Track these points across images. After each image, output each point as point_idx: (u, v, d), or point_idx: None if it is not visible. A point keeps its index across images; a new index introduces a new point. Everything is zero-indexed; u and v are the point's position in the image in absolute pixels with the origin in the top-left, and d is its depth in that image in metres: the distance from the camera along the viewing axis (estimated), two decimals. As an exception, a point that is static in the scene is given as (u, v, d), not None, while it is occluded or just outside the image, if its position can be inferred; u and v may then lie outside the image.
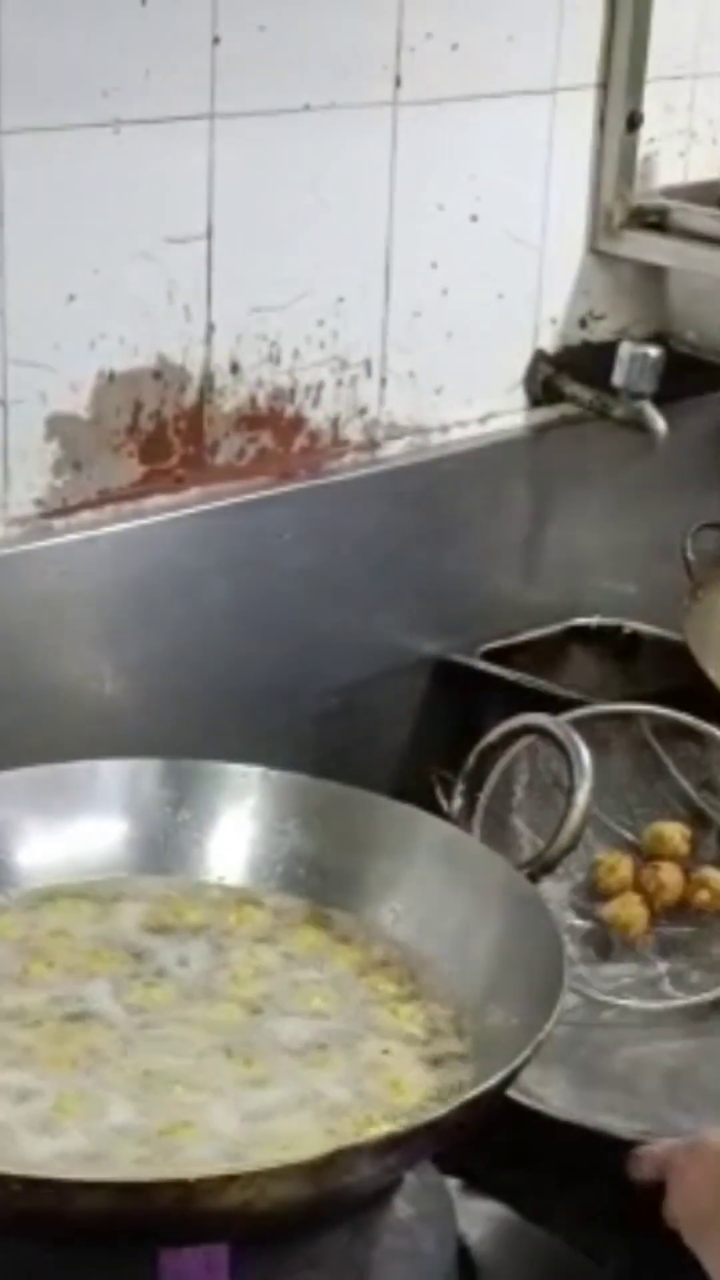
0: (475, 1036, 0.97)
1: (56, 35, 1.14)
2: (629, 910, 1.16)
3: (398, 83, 1.33)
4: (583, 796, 1.09)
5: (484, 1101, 0.88)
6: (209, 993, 0.99)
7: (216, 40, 1.21)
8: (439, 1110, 0.88)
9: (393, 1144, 0.85)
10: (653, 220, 1.49)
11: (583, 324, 1.52)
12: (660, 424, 1.43)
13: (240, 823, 1.11)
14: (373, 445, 1.40)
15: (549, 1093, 1.05)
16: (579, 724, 1.12)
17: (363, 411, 1.38)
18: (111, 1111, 0.90)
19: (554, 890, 1.14)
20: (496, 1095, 0.89)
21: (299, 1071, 0.94)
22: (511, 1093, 0.95)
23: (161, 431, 1.27)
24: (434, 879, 1.05)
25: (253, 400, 1.31)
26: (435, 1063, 0.96)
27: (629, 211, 1.49)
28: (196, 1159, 0.87)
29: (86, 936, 1.03)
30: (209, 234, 1.25)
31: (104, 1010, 0.97)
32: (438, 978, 1.01)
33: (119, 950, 1.02)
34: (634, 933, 1.16)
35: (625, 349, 1.44)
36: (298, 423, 1.35)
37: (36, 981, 1.00)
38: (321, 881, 1.08)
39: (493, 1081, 0.88)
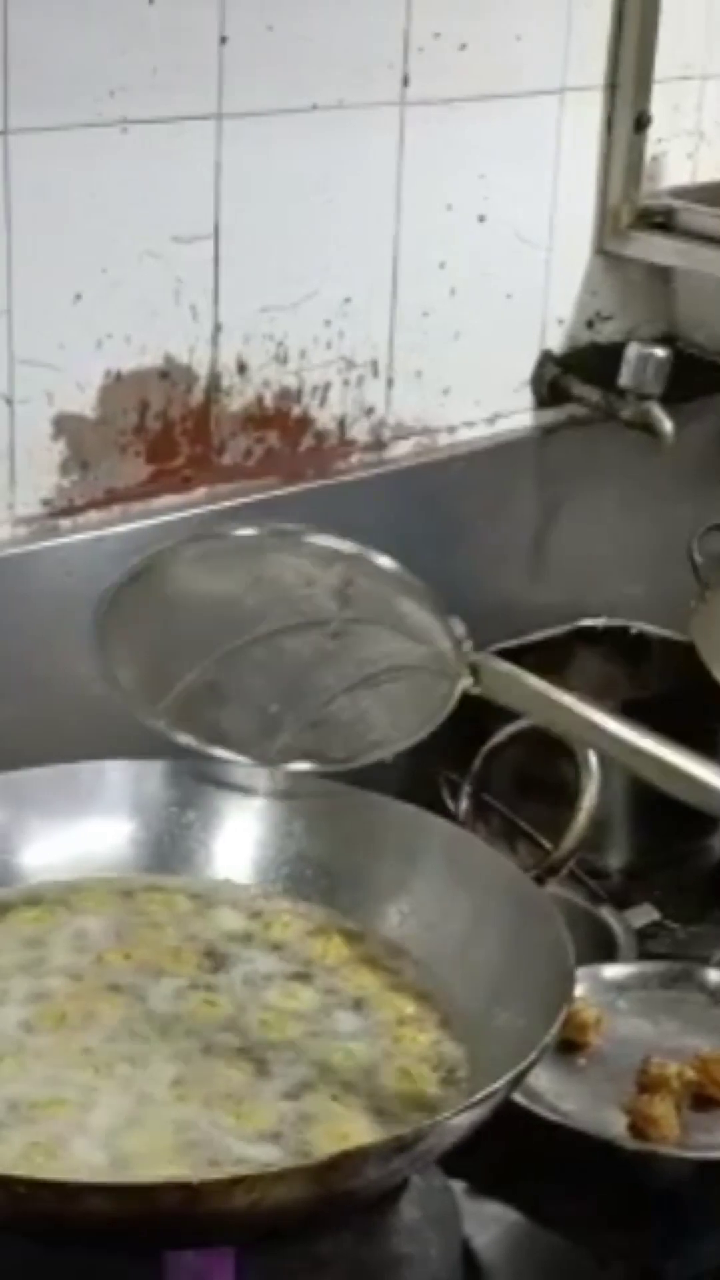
0: (481, 1039, 0.96)
1: (63, 34, 1.13)
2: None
3: (405, 82, 1.32)
4: (590, 799, 1.08)
5: (490, 1104, 0.87)
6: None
7: (224, 39, 1.21)
8: (444, 1113, 0.87)
9: (399, 1147, 0.84)
10: (660, 221, 1.48)
11: (590, 325, 1.51)
12: (667, 425, 1.43)
13: (246, 824, 1.10)
14: (380, 445, 1.39)
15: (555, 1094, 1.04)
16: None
17: (370, 411, 1.38)
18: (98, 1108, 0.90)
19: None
20: (502, 1098, 0.88)
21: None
22: (517, 1096, 0.95)
23: (168, 431, 1.26)
24: (440, 881, 1.04)
25: (260, 400, 1.31)
26: (440, 1065, 0.95)
27: (636, 212, 1.48)
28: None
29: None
30: (216, 233, 1.24)
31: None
32: (443, 979, 1.00)
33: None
34: None
35: (633, 350, 1.43)
36: (305, 423, 1.34)
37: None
38: (328, 883, 1.08)
39: (499, 1084, 0.87)
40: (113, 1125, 0.89)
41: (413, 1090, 0.94)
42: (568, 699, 0.95)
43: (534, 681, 0.96)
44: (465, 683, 0.94)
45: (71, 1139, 0.88)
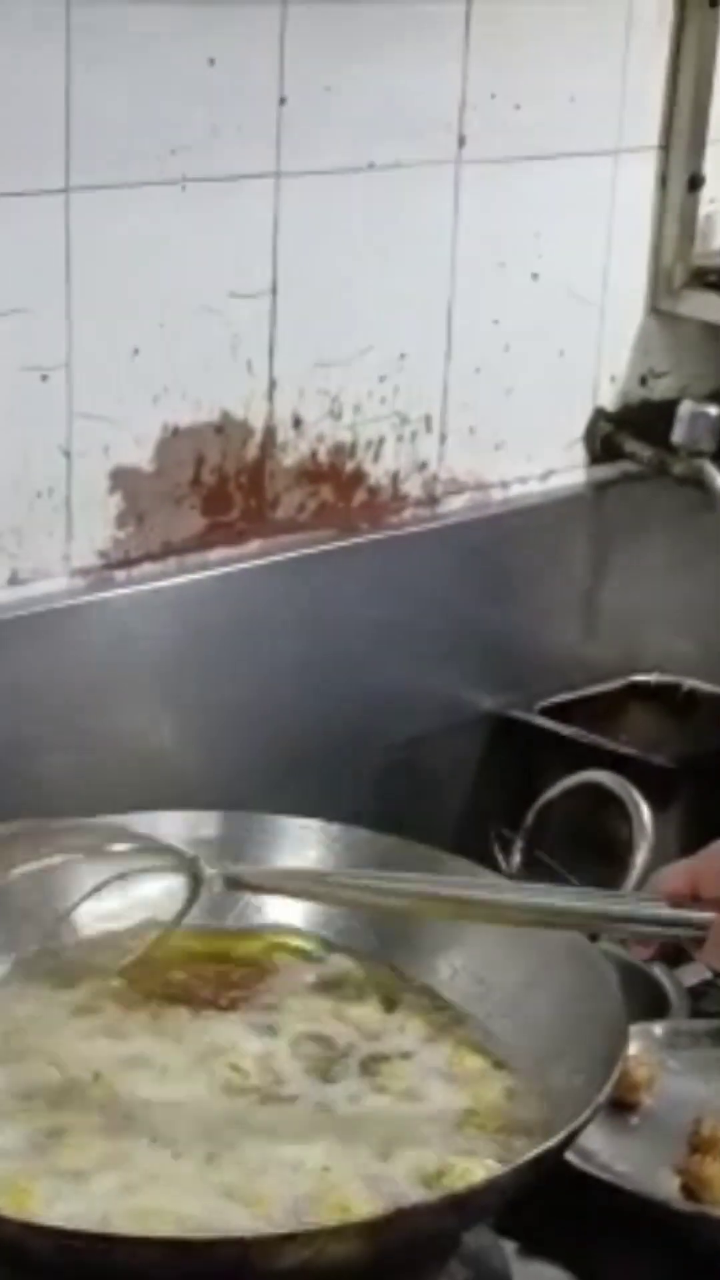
0: (534, 1095, 0.95)
1: (125, 94, 1.14)
2: None
3: (461, 142, 1.33)
4: (643, 855, 1.08)
5: (543, 1163, 0.86)
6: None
7: (283, 100, 1.22)
8: (497, 1171, 0.86)
9: (450, 1205, 0.84)
10: (713, 280, 1.48)
11: (643, 381, 1.51)
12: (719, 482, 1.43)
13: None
14: (433, 500, 1.39)
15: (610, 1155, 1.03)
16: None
17: (423, 467, 1.38)
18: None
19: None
20: (555, 1157, 0.87)
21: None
22: (569, 1155, 0.94)
23: (223, 485, 1.27)
24: (493, 935, 1.03)
25: (314, 455, 1.31)
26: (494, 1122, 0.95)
27: (690, 271, 1.48)
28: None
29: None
30: (273, 289, 1.25)
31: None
32: (494, 1035, 1.00)
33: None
34: None
35: (685, 407, 1.44)
36: (358, 477, 1.34)
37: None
38: (379, 937, 1.06)
39: (551, 1143, 0.86)
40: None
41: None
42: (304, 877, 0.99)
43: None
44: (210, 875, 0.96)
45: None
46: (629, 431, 1.47)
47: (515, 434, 1.43)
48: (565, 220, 1.41)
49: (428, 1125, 0.93)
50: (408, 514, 1.38)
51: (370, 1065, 0.97)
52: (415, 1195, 0.86)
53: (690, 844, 1.01)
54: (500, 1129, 0.93)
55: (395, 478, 1.37)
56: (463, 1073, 0.97)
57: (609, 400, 1.49)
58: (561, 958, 1.00)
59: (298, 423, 1.30)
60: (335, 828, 1.10)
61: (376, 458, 1.35)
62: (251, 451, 1.28)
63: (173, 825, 1.10)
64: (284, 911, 1.08)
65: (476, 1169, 0.88)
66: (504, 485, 1.44)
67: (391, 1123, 0.93)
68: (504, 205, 1.37)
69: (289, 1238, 0.79)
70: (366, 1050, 0.98)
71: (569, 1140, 0.88)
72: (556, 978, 0.99)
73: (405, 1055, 0.98)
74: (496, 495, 1.43)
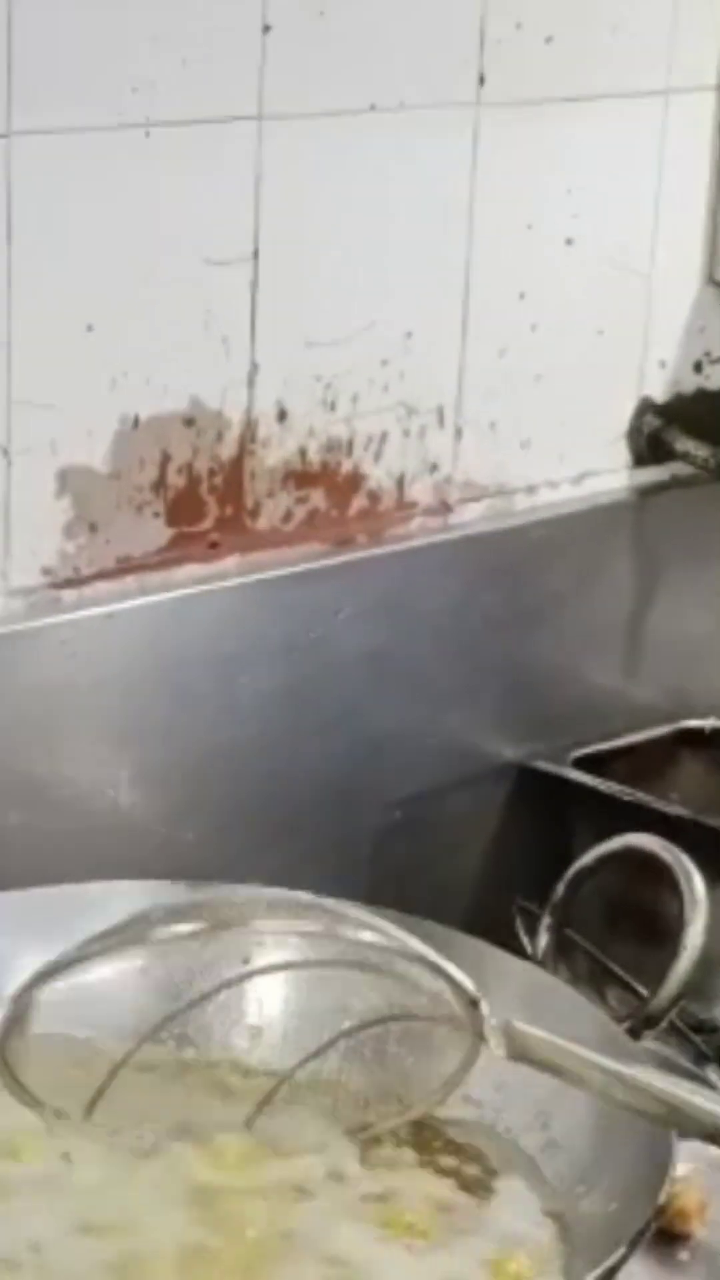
0: (565, 1225, 0.95)
1: (77, 21, 1.15)
2: None
3: (481, 80, 1.33)
4: (695, 935, 1.08)
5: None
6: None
7: (267, 28, 1.22)
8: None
9: None
10: (782, 245, 1.49)
11: (698, 368, 1.51)
12: (790, 487, 1.43)
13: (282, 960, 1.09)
14: (445, 509, 1.40)
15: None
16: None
17: (434, 468, 1.38)
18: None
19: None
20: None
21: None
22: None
23: (193, 488, 1.27)
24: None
25: (303, 453, 1.31)
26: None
27: (755, 234, 1.49)
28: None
29: None
30: (255, 255, 1.25)
31: None
32: (521, 1154, 0.99)
33: None
34: None
35: (749, 398, 1.44)
36: (356, 480, 1.35)
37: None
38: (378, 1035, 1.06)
39: (585, 1282, 0.86)
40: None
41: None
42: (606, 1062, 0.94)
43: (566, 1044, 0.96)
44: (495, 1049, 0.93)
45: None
46: (681, 427, 1.48)
47: (545, 429, 1.43)
48: (605, 174, 1.42)
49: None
50: (415, 524, 1.38)
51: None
52: None
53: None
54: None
55: (400, 481, 1.37)
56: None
57: (657, 390, 1.49)
58: (593, 1051, 0.99)
59: (283, 415, 1.30)
60: (325, 902, 1.10)
61: (378, 457, 1.35)
62: (228, 448, 1.28)
63: (129, 897, 1.10)
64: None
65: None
66: (531, 490, 1.44)
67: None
68: (531, 156, 1.38)
69: None
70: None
71: (606, 1278, 0.87)
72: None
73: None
74: (522, 503, 1.44)
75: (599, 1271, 0.87)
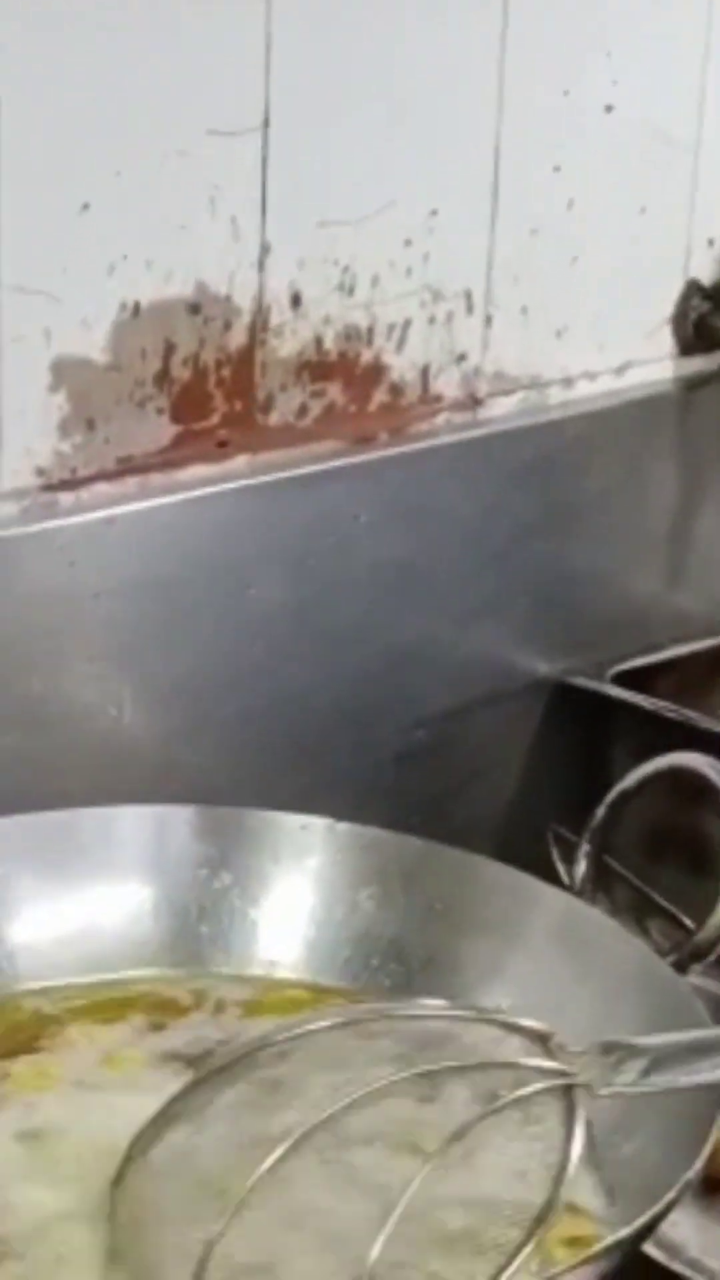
0: (601, 1174, 0.96)
1: None
2: None
3: (511, -69, 1.33)
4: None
5: (614, 1256, 0.87)
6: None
7: None
8: (556, 1267, 0.87)
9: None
10: None
11: (749, 247, 1.51)
12: None
13: (299, 890, 1.10)
14: (473, 403, 1.40)
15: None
16: None
17: (461, 359, 1.38)
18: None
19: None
20: (630, 1250, 0.88)
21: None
22: (649, 1247, 0.95)
23: (200, 382, 1.27)
24: (550, 967, 1.04)
25: (318, 342, 1.31)
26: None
27: None
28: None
29: None
30: (265, 126, 1.25)
31: None
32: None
33: None
34: None
35: None
36: (376, 372, 1.35)
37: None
38: (404, 969, 1.08)
39: (624, 1233, 0.87)
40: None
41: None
42: None
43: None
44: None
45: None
46: (730, 312, 1.48)
47: (582, 316, 1.43)
48: (648, 35, 1.41)
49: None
50: (441, 420, 1.38)
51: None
52: None
53: None
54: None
55: (425, 373, 1.37)
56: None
57: (705, 271, 1.49)
58: (637, 995, 1.00)
59: (297, 300, 1.30)
60: (344, 827, 1.11)
61: (400, 346, 1.35)
62: (237, 338, 1.28)
63: (133, 823, 1.11)
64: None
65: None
66: (567, 383, 1.44)
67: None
68: (567, 15, 1.37)
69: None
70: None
71: (647, 1230, 0.88)
72: (631, 1021, 1.00)
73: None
74: (557, 395, 1.44)
75: (643, 1220, 0.87)
